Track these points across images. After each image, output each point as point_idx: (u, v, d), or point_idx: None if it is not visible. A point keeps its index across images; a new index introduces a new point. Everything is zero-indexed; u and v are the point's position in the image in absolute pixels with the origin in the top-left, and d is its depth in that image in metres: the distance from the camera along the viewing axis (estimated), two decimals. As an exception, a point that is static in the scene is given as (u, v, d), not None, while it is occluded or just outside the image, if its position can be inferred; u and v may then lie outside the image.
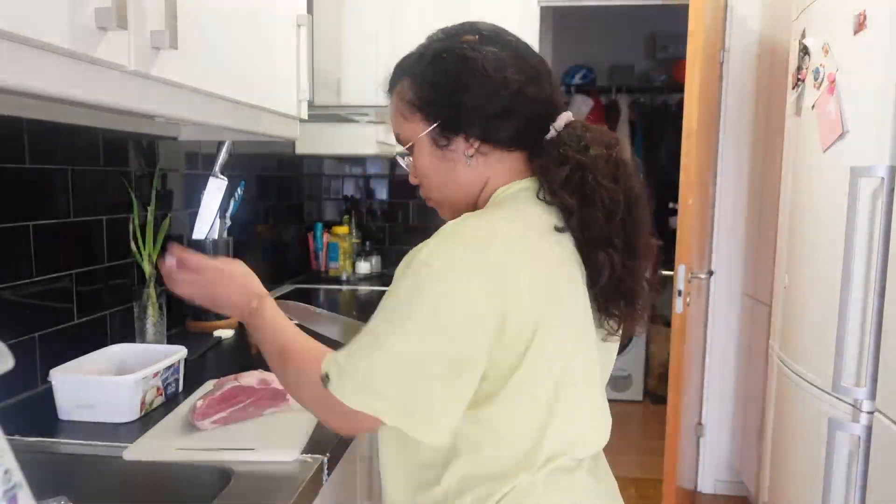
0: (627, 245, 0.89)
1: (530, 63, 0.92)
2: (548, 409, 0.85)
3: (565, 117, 0.93)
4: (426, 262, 0.80)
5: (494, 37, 0.92)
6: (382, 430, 0.91)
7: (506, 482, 0.85)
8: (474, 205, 0.94)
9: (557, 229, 0.86)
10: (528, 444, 0.85)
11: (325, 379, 0.81)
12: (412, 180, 0.99)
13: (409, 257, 0.82)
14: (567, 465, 0.89)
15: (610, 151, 0.89)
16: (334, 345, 0.87)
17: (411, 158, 0.96)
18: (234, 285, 1.00)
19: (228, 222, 1.89)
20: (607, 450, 0.99)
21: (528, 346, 0.82)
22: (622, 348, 4.08)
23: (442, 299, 0.78)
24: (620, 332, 0.95)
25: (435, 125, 0.91)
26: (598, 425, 0.95)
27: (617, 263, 0.87)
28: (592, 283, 0.88)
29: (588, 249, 0.87)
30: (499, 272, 0.80)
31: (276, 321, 0.95)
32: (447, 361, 0.79)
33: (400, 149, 0.97)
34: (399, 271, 0.83)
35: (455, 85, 0.89)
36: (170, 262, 1.03)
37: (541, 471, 0.86)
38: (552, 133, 0.91)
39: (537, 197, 0.88)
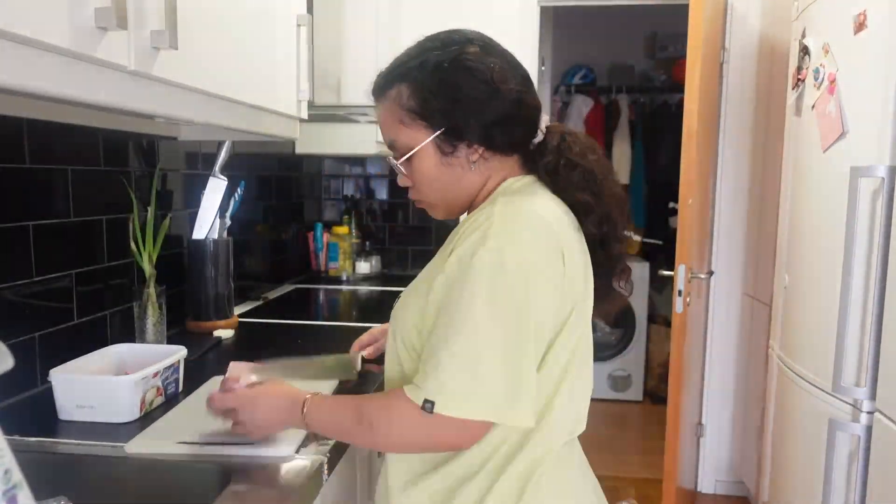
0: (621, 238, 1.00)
1: (522, 72, 0.97)
2: (560, 379, 0.91)
3: (545, 119, 1.00)
4: (497, 248, 0.83)
5: (489, 48, 0.96)
6: None
7: (522, 455, 0.90)
8: (471, 204, 0.99)
9: (586, 235, 0.97)
10: (539, 409, 0.90)
11: (428, 404, 0.83)
12: (404, 182, 1.01)
13: (468, 250, 0.84)
14: (565, 446, 0.96)
15: (597, 153, 0.99)
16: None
17: (409, 163, 0.97)
18: (273, 405, 1.00)
19: (228, 222, 1.89)
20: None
21: (567, 319, 0.90)
22: (622, 348, 4.04)
23: (527, 277, 0.83)
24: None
25: (439, 132, 0.93)
26: (587, 402, 1.02)
27: (622, 256, 1.00)
28: (609, 274, 1.00)
29: (609, 244, 0.97)
30: (556, 246, 0.87)
31: (328, 408, 0.97)
32: (534, 330, 0.84)
33: (394, 154, 0.99)
34: (457, 268, 0.85)
35: (459, 94, 0.92)
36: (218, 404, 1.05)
37: (551, 448, 0.92)
38: (539, 137, 0.98)
39: (552, 191, 0.96)
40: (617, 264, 1.00)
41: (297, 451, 1.04)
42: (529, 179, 0.97)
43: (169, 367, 1.28)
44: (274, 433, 1.05)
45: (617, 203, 0.97)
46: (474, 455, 0.90)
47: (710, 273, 2.93)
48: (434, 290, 0.88)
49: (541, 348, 0.87)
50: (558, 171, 0.95)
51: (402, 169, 0.99)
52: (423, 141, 0.94)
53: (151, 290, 1.55)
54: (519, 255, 0.83)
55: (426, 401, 0.83)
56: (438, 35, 0.98)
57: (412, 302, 0.94)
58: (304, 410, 0.97)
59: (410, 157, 0.96)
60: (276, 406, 1.00)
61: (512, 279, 0.83)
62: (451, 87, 0.92)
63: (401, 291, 1.02)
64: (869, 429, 1.67)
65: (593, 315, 1.02)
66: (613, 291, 1.04)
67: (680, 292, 2.26)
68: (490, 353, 0.82)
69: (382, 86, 0.98)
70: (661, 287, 4.36)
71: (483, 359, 0.82)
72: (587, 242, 0.97)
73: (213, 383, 1.36)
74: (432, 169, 0.96)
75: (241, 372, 1.25)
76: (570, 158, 0.95)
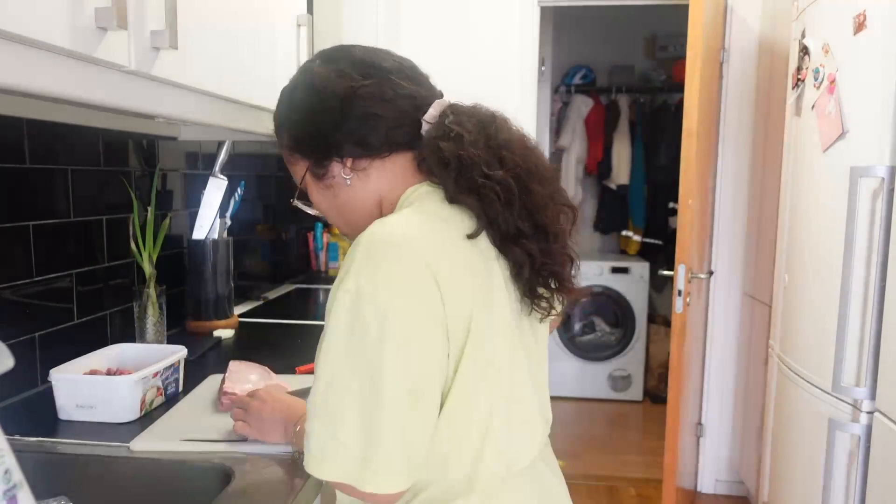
0: (537, 227, 0.84)
1: (376, 64, 0.88)
2: (485, 427, 0.81)
3: (438, 105, 0.88)
4: (354, 291, 0.73)
5: (338, 56, 0.89)
6: None
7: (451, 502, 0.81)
8: None
9: (469, 237, 0.81)
10: (467, 467, 0.81)
11: (301, 456, 0.78)
12: (317, 216, 0.99)
13: (334, 289, 0.76)
14: (501, 485, 0.85)
15: (487, 131, 0.85)
16: None
17: (307, 199, 0.95)
18: (278, 413, 1.03)
19: (228, 222, 1.89)
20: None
21: (462, 353, 0.77)
22: (622, 348, 4.03)
23: (383, 327, 0.72)
24: (555, 311, 0.90)
25: (311, 160, 0.90)
26: (532, 430, 0.90)
27: (534, 252, 0.83)
28: (517, 277, 0.85)
29: (503, 246, 0.83)
30: (428, 279, 0.75)
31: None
32: (404, 391, 0.73)
33: (297, 193, 0.96)
34: (329, 307, 0.76)
35: (306, 115, 0.88)
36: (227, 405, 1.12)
37: (481, 492, 0.82)
38: (426, 126, 0.87)
39: (445, 199, 0.84)
40: (521, 268, 0.83)
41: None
42: (427, 188, 0.86)
43: (169, 367, 1.28)
44: (271, 440, 1.04)
45: (504, 194, 0.81)
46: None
47: (710, 273, 2.93)
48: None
49: (425, 396, 0.75)
50: (438, 173, 0.83)
51: (305, 208, 0.97)
52: (303, 172, 0.91)
53: (151, 290, 1.55)
54: (376, 296, 0.72)
55: (300, 452, 0.78)
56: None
57: None
58: (297, 428, 0.98)
59: (305, 193, 0.93)
60: (280, 414, 1.02)
61: (368, 327, 0.72)
62: (298, 111, 0.90)
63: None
64: (869, 429, 1.67)
65: (563, 302, 0.91)
66: (565, 283, 0.88)
67: (680, 292, 2.26)
68: (349, 409, 0.73)
69: (275, 133, 0.96)
70: (661, 287, 4.37)
71: (342, 416, 0.73)
72: (497, 248, 0.84)
73: (213, 381, 1.36)
74: (318, 197, 0.93)
75: (242, 371, 1.26)
76: (441, 153, 0.82)
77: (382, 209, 0.90)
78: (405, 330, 0.73)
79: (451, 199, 0.83)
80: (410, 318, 0.74)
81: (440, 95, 0.92)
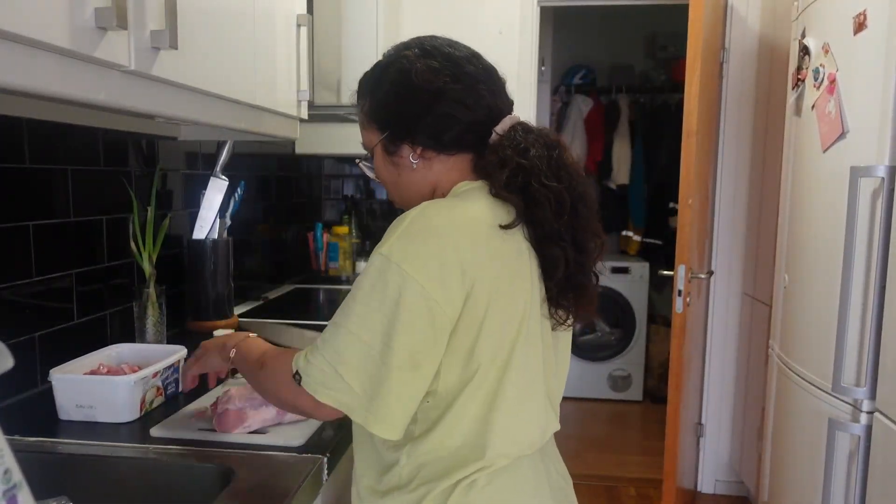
0: (575, 241, 0.94)
1: (467, 71, 0.96)
2: (490, 401, 0.89)
3: (510, 120, 0.98)
4: (387, 255, 0.84)
5: (433, 50, 0.97)
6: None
7: (454, 474, 0.89)
8: None
9: (502, 227, 0.89)
10: (473, 437, 0.89)
11: (297, 376, 0.87)
12: (375, 180, 1.07)
13: (374, 252, 0.87)
14: (507, 465, 0.93)
15: (551, 153, 0.94)
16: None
17: (371, 163, 1.04)
18: (214, 349, 1.11)
19: (228, 222, 1.89)
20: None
21: (478, 334, 0.86)
22: (622, 348, 4.04)
23: (402, 294, 0.82)
24: (570, 322, 1.00)
25: (385, 134, 0.99)
26: (541, 420, 0.98)
27: (570, 258, 0.93)
28: (549, 276, 0.94)
29: (542, 245, 0.92)
30: (454, 263, 0.84)
31: (251, 347, 1.04)
32: (407, 354, 0.83)
33: (363, 155, 1.06)
34: (367, 265, 0.88)
35: (395, 97, 0.97)
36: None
37: (486, 468, 0.90)
38: (494, 136, 0.96)
39: (490, 193, 0.93)
40: (555, 268, 0.93)
41: (300, 451, 1.05)
42: (478, 184, 0.95)
43: (169, 367, 1.28)
44: (211, 367, 1.13)
45: (555, 204, 0.91)
46: (406, 470, 0.91)
47: (710, 273, 2.93)
48: None
49: (424, 364, 0.85)
50: (491, 172, 0.93)
51: (366, 170, 1.06)
52: (375, 142, 1.00)
53: (151, 290, 1.55)
54: (402, 267, 0.83)
55: (297, 372, 0.87)
56: (400, 43, 1.02)
57: None
58: (232, 353, 1.05)
59: (372, 156, 1.03)
60: (218, 342, 1.11)
61: (389, 291, 0.83)
62: (385, 90, 0.98)
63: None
64: (869, 429, 1.67)
65: (580, 321, 1.01)
66: (586, 299, 0.98)
67: (680, 292, 2.26)
68: (351, 353, 0.84)
69: (357, 93, 1.05)
70: (661, 287, 4.36)
71: (344, 356, 0.84)
72: (535, 247, 0.93)
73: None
74: (382, 169, 1.02)
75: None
76: (502, 156, 0.92)
77: (434, 195, 0.99)
78: (418, 302, 0.82)
79: (496, 193, 0.92)
80: (426, 294, 0.83)
81: (511, 105, 1.02)
